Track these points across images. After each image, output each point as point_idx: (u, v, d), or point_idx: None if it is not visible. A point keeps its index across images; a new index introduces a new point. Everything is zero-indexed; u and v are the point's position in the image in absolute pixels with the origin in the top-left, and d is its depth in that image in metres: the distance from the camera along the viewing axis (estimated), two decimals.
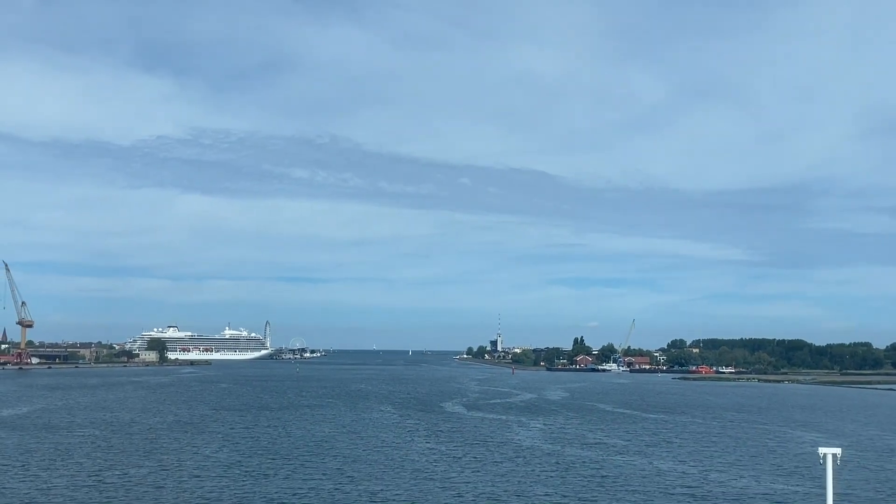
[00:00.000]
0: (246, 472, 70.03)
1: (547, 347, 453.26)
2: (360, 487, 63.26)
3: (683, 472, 72.38)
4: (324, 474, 69.06)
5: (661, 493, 63.04)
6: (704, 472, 72.23)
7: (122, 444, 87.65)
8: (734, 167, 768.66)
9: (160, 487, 62.68)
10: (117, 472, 68.98)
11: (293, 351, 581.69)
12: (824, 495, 10.27)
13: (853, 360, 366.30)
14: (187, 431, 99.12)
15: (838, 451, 10.41)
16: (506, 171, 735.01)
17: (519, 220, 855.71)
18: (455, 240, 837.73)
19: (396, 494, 60.67)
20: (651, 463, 77.94)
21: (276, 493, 61.12)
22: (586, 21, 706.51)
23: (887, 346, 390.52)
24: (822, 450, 10.54)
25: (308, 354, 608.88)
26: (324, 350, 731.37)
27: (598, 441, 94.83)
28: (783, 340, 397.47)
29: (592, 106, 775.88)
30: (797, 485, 66.18)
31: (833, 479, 10.53)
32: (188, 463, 74.49)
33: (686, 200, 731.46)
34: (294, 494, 60.48)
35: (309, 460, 76.71)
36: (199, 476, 67.71)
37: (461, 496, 60.29)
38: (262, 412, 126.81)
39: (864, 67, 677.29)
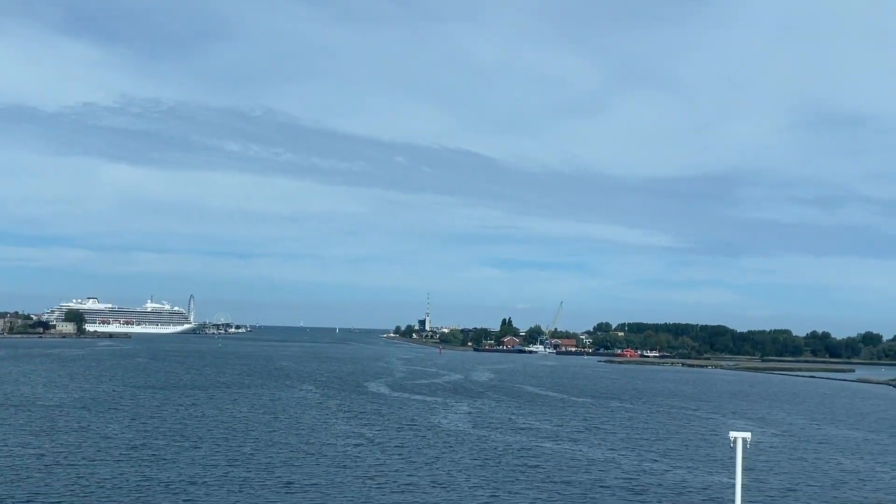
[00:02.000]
0: (149, 455, 64.21)
1: (475, 328, 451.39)
2: (273, 475, 58.31)
3: (617, 463, 69.25)
4: (234, 460, 63.86)
5: (595, 484, 59.62)
6: (638, 462, 69.17)
7: (18, 421, 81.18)
8: (666, 154, 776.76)
9: (51, 473, 56.68)
10: (3, 455, 62.96)
11: (217, 326, 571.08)
12: (734, 478, 9.95)
13: (774, 346, 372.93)
14: (92, 409, 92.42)
15: (748, 435, 10.94)
16: (441, 151, 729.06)
17: (453, 200, 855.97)
18: (388, 218, 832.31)
19: (313, 484, 55.93)
20: (582, 451, 74.61)
21: (178, 480, 55.48)
22: (524, 3, 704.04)
23: (807, 334, 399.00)
24: (732, 434, 11.78)
25: (233, 330, 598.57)
26: (249, 326, 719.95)
27: (527, 426, 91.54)
28: (706, 326, 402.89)
29: (529, 89, 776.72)
30: (733, 476, 63.58)
31: (742, 462, 10.50)
32: (87, 445, 68.28)
33: (618, 186, 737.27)
34: (199, 482, 55.10)
35: (220, 444, 71.26)
36: (95, 460, 61.68)
37: (381, 487, 55.90)
38: (177, 390, 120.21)
39: (794, 60, 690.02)
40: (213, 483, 55.54)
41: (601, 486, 59.03)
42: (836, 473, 68.11)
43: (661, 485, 59.91)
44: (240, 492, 53.47)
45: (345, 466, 62.69)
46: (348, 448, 71.01)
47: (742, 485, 11.08)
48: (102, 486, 52.85)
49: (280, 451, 68.63)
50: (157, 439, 72.03)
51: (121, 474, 56.66)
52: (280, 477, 58.09)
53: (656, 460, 70.53)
